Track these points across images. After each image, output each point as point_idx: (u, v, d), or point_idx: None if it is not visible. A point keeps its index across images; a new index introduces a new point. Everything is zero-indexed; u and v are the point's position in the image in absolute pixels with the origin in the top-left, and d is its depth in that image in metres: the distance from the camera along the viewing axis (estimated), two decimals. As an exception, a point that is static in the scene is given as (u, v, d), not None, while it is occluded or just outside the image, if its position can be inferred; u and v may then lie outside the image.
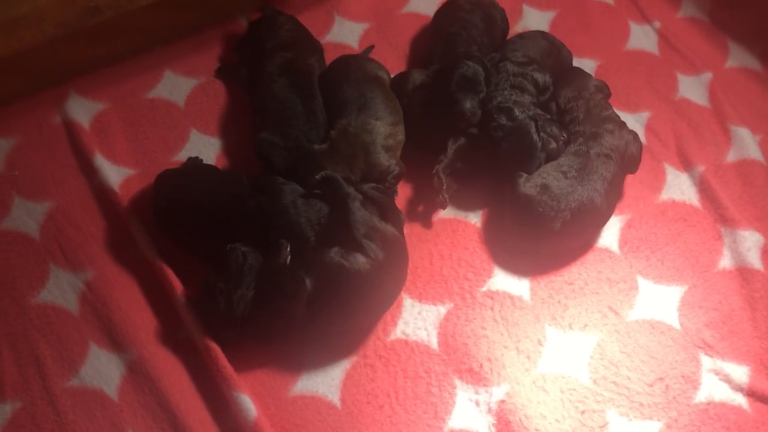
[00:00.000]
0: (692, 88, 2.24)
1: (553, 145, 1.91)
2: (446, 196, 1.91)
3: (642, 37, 2.37)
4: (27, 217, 1.96)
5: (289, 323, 1.69)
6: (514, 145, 1.90)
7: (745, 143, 2.11)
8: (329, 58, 2.21)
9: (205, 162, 2.04)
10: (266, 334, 1.73)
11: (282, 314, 1.68)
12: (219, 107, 2.19)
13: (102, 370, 1.74)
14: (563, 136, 1.93)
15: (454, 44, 2.10)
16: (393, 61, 2.28)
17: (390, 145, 1.92)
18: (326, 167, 1.85)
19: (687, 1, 2.45)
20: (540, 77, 2.03)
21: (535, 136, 1.88)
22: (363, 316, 1.77)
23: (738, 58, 2.32)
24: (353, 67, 2.06)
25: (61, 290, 1.85)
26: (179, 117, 2.17)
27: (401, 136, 1.97)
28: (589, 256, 1.93)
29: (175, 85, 2.23)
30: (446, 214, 2.00)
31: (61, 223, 1.95)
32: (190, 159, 2.02)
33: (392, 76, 2.16)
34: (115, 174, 2.02)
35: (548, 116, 1.99)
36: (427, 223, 1.98)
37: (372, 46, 2.28)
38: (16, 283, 1.86)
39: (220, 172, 1.92)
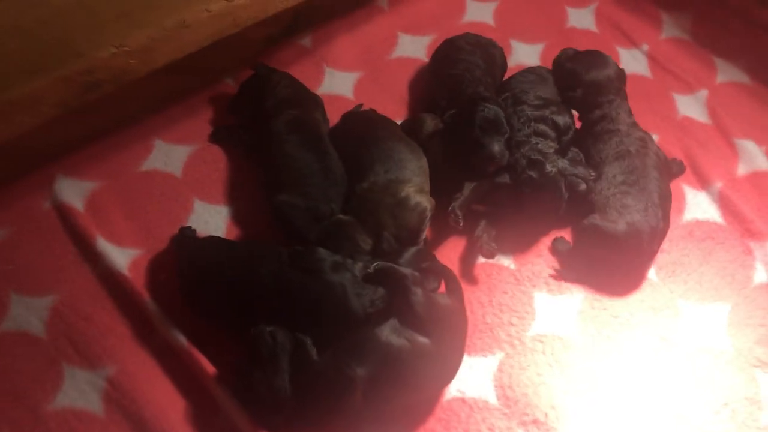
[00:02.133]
0: (691, 107, 2.27)
1: (583, 186, 1.89)
2: (491, 244, 1.86)
3: (632, 61, 2.39)
4: (29, 314, 1.78)
5: (346, 414, 1.58)
6: (541, 198, 1.88)
7: (753, 155, 2.14)
8: (326, 110, 2.13)
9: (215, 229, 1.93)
10: (321, 422, 1.61)
11: (337, 409, 1.57)
12: (220, 173, 2.08)
13: (137, 472, 1.58)
14: (592, 175, 1.91)
15: (459, 86, 2.06)
16: (392, 107, 2.22)
17: (419, 203, 1.84)
18: (355, 237, 1.76)
19: (667, 22, 2.50)
20: (561, 120, 2.00)
21: (564, 192, 1.87)
22: (426, 393, 1.67)
23: (726, 73, 2.37)
24: (378, 125, 1.99)
25: (80, 391, 1.67)
26: (179, 187, 2.04)
27: (428, 187, 1.90)
28: (628, 287, 1.90)
29: (168, 155, 2.10)
30: (477, 259, 1.93)
31: (69, 317, 1.78)
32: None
33: (398, 123, 2.09)
34: (121, 256, 1.87)
35: (576, 151, 1.98)
36: (462, 271, 1.90)
37: (361, 104, 2.21)
38: (27, 390, 1.67)
39: (251, 245, 1.80)
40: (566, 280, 1.89)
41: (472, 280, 1.89)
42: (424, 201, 1.83)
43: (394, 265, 1.68)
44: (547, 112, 1.99)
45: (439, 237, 1.96)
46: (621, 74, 2.09)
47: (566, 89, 2.08)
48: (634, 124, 2.04)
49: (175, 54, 1.95)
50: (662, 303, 1.87)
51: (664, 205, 1.91)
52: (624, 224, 1.84)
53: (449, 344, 1.64)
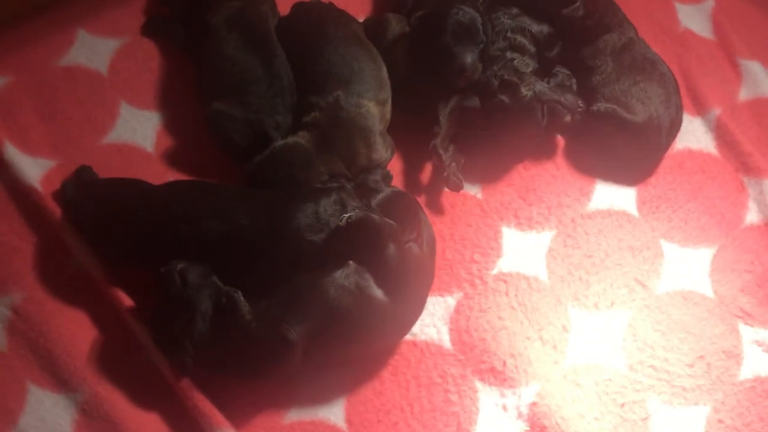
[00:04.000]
0: (695, 18, 2.01)
1: (568, 117, 1.65)
2: (459, 175, 1.63)
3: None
4: None
5: (280, 373, 1.40)
6: (514, 125, 1.64)
7: (758, 79, 1.91)
8: (280, 2, 1.84)
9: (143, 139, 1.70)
10: (249, 377, 1.43)
11: (271, 371, 1.39)
12: (152, 73, 1.80)
13: (47, 417, 1.41)
14: (580, 106, 1.67)
15: (428, -21, 1.77)
16: (355, 3, 1.93)
17: (383, 130, 1.61)
18: (318, 166, 1.53)
19: None
20: (536, 29, 1.73)
21: (540, 120, 1.63)
22: (375, 348, 1.49)
23: (737, -19, 2.09)
24: (331, 24, 1.69)
25: (-19, 321, 1.48)
26: (104, 87, 1.77)
27: (389, 114, 1.66)
28: (607, 222, 1.70)
29: (92, 49, 1.81)
30: (441, 186, 1.71)
31: (-32, 234, 1.56)
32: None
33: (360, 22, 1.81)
34: (32, 167, 1.63)
35: (566, 74, 1.73)
36: (421, 199, 1.69)
37: None
38: None
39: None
40: (539, 212, 1.69)
41: (433, 209, 1.68)
42: (385, 126, 1.63)
43: (372, 216, 1.42)
44: (526, 21, 1.72)
45: (405, 163, 1.74)
46: None
47: (560, 6, 1.76)
48: (628, 21, 1.85)
49: None
50: (642, 242, 1.68)
51: (678, 91, 1.78)
52: (646, 115, 1.69)
53: (410, 301, 1.45)
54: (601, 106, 1.69)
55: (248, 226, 1.44)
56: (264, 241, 1.43)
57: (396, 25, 1.74)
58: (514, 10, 1.74)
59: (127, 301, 1.48)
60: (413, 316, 1.47)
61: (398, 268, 1.40)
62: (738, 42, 1.96)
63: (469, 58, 1.61)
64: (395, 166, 1.72)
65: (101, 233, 1.51)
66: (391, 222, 1.43)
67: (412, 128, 1.70)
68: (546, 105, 1.62)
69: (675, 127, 1.76)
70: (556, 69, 1.74)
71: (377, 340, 1.44)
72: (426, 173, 1.73)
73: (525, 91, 1.61)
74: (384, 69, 1.68)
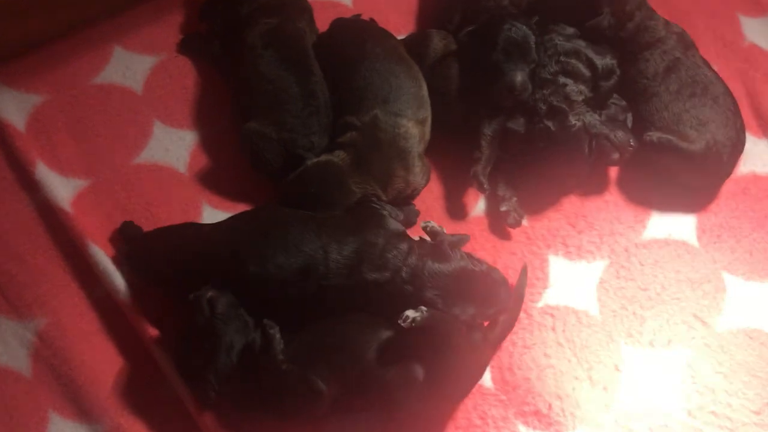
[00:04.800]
0: (760, 32, 1.87)
1: (616, 155, 1.54)
2: (520, 210, 1.57)
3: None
4: (-48, 251, 1.53)
5: (307, 418, 1.33)
6: (558, 155, 1.54)
7: (830, 95, 1.76)
8: (319, 18, 1.78)
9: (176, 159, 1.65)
10: (272, 417, 1.36)
11: (295, 415, 1.32)
12: (187, 90, 1.76)
13: (68, 448, 1.36)
14: (632, 145, 1.55)
15: (477, -3, 1.68)
16: (396, 19, 1.87)
17: (422, 152, 1.54)
18: (350, 186, 1.46)
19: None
20: (599, 61, 1.60)
21: (586, 153, 1.52)
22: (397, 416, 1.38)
23: (808, -9, 1.94)
24: (370, 41, 1.62)
25: (5, 346, 1.44)
26: (138, 106, 1.73)
27: (429, 134, 1.58)
28: (664, 252, 1.58)
29: (128, 66, 1.78)
30: (480, 211, 1.62)
31: (-2, 257, 1.52)
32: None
33: (400, 39, 1.74)
34: (63, 187, 1.60)
35: (622, 105, 1.61)
36: (457, 223, 1.60)
37: (359, 15, 1.83)
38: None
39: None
40: (589, 240, 1.58)
41: (474, 235, 1.58)
42: (424, 148, 1.56)
43: (440, 321, 1.28)
44: (582, 45, 1.61)
45: (443, 187, 1.65)
46: None
47: (586, 18, 1.65)
48: (667, 22, 1.71)
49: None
50: (702, 275, 1.55)
51: (738, 111, 1.64)
52: (704, 142, 1.56)
53: (448, 392, 1.34)
54: (653, 135, 1.57)
55: (321, 258, 1.35)
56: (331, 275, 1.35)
57: (439, 42, 1.66)
58: (569, 30, 1.63)
59: (152, 330, 1.42)
60: (445, 402, 1.38)
61: (449, 367, 1.28)
62: (809, 56, 1.82)
63: (520, 76, 1.52)
64: (434, 189, 1.63)
65: (168, 285, 1.44)
66: (460, 324, 1.32)
67: (451, 149, 1.61)
68: (594, 139, 1.51)
69: (737, 150, 1.63)
70: (611, 100, 1.62)
71: (401, 411, 1.32)
72: (468, 197, 1.63)
73: (574, 120, 1.50)
74: (424, 87, 1.60)
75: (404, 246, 1.36)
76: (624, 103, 1.64)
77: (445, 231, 1.41)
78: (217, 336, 1.29)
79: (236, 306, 1.32)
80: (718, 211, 1.63)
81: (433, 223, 1.40)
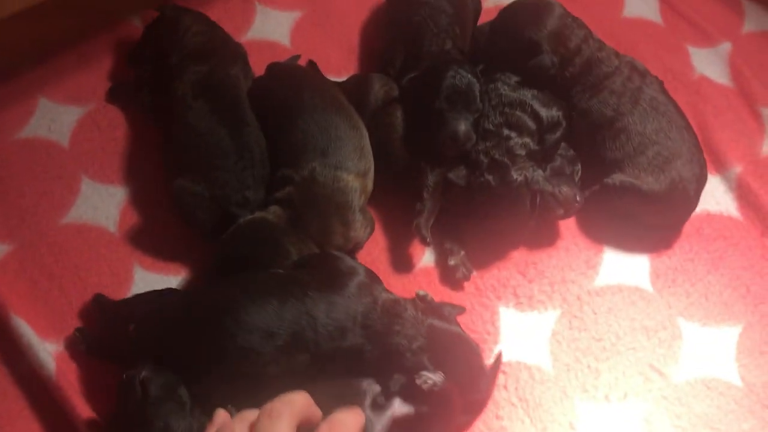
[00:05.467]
0: (710, 63, 1.83)
1: (560, 212, 1.48)
2: (468, 265, 1.51)
3: (640, 3, 1.93)
4: None
5: None
6: (502, 210, 1.47)
7: (783, 130, 1.72)
8: (255, 60, 1.70)
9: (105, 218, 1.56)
10: None
11: None
12: (117, 143, 1.66)
13: None
14: (578, 200, 1.48)
15: (420, 38, 1.61)
16: (338, 59, 1.80)
17: (363, 205, 1.46)
18: (286, 245, 1.37)
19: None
20: (544, 113, 1.53)
21: (528, 209, 1.45)
22: None
23: (756, 20, 1.91)
24: (308, 90, 1.54)
25: None
26: (64, 161, 1.63)
27: (371, 185, 1.50)
28: (617, 299, 1.52)
29: (54, 118, 1.68)
30: (427, 260, 1.55)
31: None
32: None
33: (341, 81, 1.67)
34: (-18, 254, 1.50)
35: (569, 157, 1.56)
36: (402, 276, 1.53)
37: (298, 56, 1.77)
38: None
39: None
40: (540, 289, 1.52)
41: (420, 287, 1.51)
42: (365, 201, 1.47)
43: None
44: (528, 96, 1.54)
45: (385, 234, 1.58)
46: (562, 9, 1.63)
47: (527, 60, 1.57)
48: (617, 53, 1.63)
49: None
50: (658, 322, 1.50)
51: (699, 144, 1.60)
52: (669, 181, 1.51)
53: None
54: (615, 179, 1.51)
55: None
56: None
57: (380, 89, 1.58)
58: (514, 80, 1.56)
59: (82, 409, 1.32)
60: None
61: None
62: (759, 89, 1.77)
63: (463, 126, 1.45)
64: (379, 241, 1.56)
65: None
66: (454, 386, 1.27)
67: (397, 199, 1.55)
68: (538, 194, 1.45)
69: (701, 185, 1.58)
70: (558, 151, 1.56)
71: None
72: (415, 248, 1.56)
73: (515, 175, 1.43)
74: (366, 136, 1.52)
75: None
76: (572, 152, 1.58)
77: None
78: (146, 421, 1.20)
79: (174, 386, 1.22)
80: (671, 254, 1.58)
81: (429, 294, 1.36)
